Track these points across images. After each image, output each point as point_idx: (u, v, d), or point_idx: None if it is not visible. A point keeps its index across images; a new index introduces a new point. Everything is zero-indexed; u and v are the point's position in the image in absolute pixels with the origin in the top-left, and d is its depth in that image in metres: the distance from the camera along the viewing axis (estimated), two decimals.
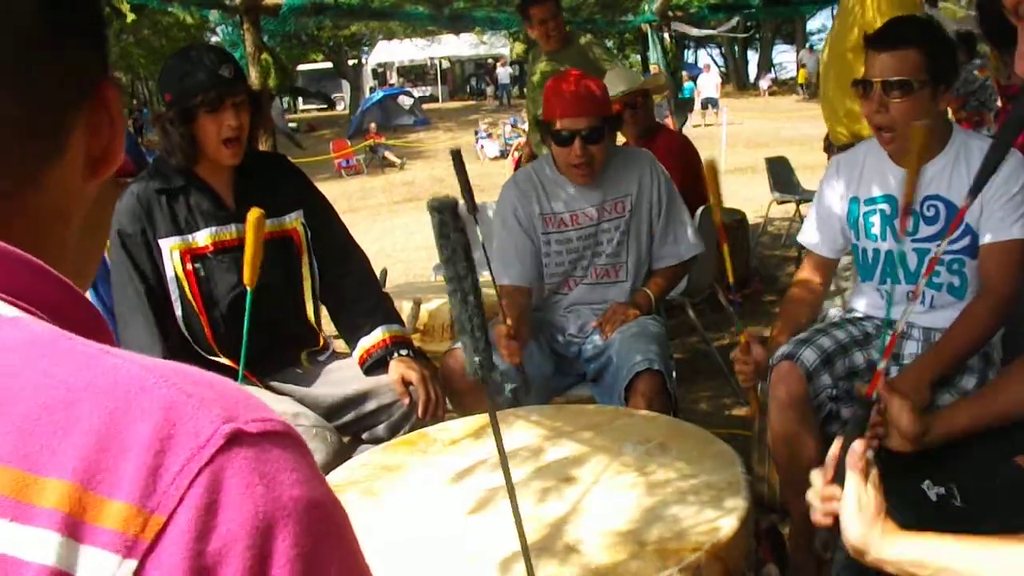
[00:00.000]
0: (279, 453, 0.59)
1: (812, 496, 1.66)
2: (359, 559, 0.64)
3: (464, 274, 1.21)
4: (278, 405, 2.76)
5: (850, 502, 1.52)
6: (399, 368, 2.89)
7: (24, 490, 0.54)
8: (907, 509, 1.94)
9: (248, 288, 2.67)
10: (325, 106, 39.36)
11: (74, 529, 0.54)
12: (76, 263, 0.78)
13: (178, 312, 2.83)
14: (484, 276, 3.90)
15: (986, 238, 2.65)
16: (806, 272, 3.07)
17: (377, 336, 2.97)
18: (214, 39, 22.79)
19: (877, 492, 1.51)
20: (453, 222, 1.20)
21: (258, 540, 0.55)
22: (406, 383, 2.87)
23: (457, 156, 2.77)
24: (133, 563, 0.53)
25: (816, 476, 1.67)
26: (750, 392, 2.75)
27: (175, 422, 0.57)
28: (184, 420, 0.57)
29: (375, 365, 2.96)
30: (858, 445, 1.57)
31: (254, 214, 2.60)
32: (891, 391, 2.01)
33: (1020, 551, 1.29)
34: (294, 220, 3.01)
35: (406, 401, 2.86)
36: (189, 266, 2.82)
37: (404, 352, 2.96)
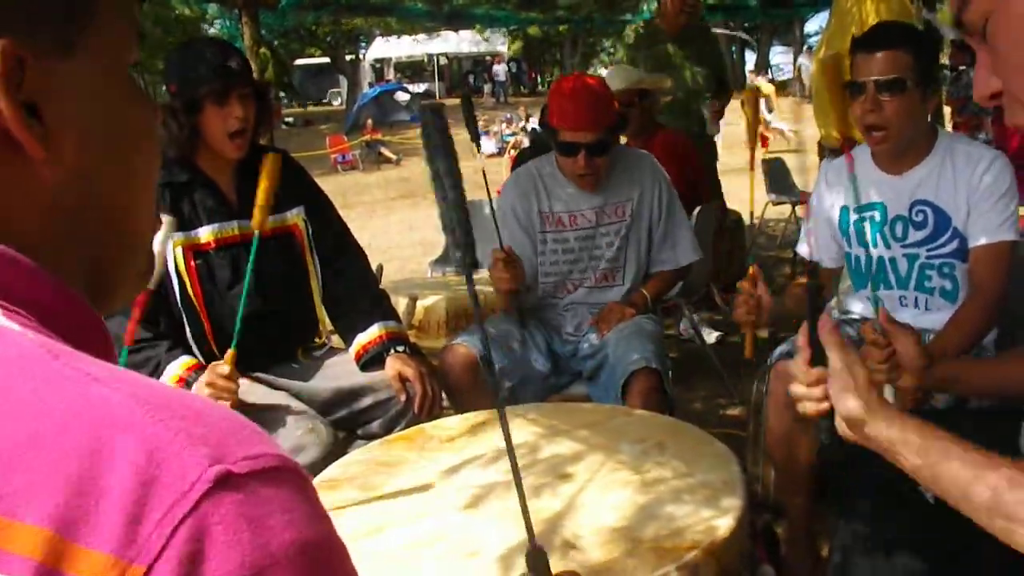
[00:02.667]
0: (271, 493, 0.56)
1: (796, 388, 1.61)
2: None
3: (444, 171, 1.27)
4: (272, 400, 2.77)
5: (840, 375, 1.46)
6: (395, 364, 2.90)
7: None
8: (904, 511, 1.95)
9: (256, 231, 2.70)
10: (323, 100, 39.32)
11: None
12: (79, 268, 0.72)
13: (178, 308, 2.83)
14: (482, 272, 3.93)
15: (976, 241, 2.67)
16: (806, 280, 3.08)
17: (373, 332, 2.97)
18: (212, 33, 22.80)
19: (862, 364, 1.48)
20: (436, 122, 1.27)
21: None
22: (403, 379, 2.88)
23: (466, 98, 3.01)
24: None
25: (796, 365, 1.62)
26: (747, 329, 2.70)
27: (159, 464, 0.53)
28: (169, 462, 0.54)
29: (371, 361, 2.96)
30: (825, 323, 1.50)
31: (271, 158, 2.66)
32: (895, 326, 2.02)
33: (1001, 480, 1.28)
34: (295, 216, 3.01)
35: (403, 398, 2.87)
36: (192, 262, 2.82)
37: (400, 348, 2.96)
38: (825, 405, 1.53)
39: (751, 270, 2.73)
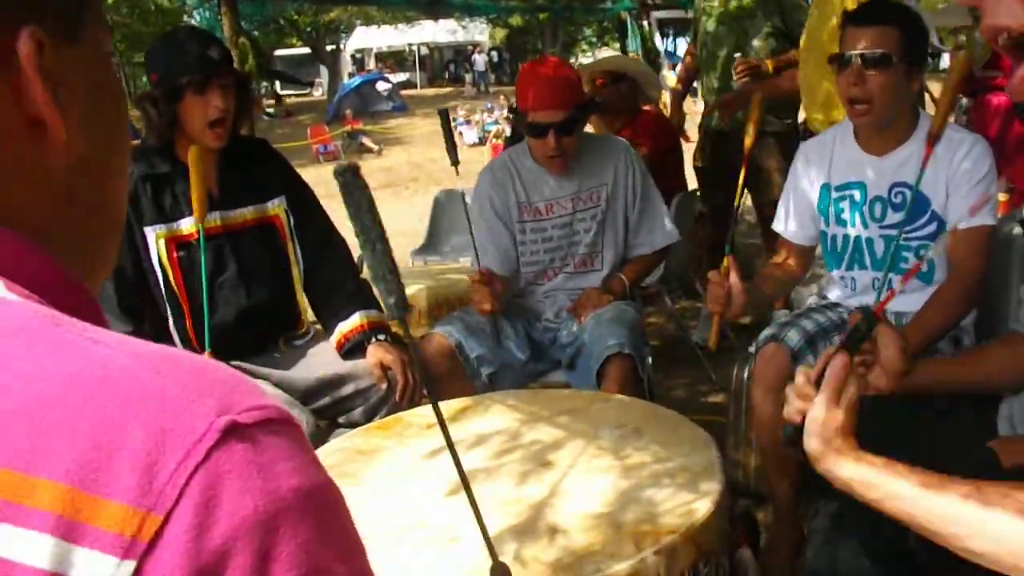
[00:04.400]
0: (274, 441, 0.58)
1: (790, 390, 1.64)
2: (356, 539, 0.64)
3: (370, 225, 1.31)
4: None
5: (816, 414, 1.50)
6: (377, 352, 2.90)
7: (15, 491, 0.53)
8: None
9: (199, 226, 2.73)
10: (305, 90, 39.16)
11: (68, 531, 0.52)
12: (74, 241, 0.74)
13: (162, 300, 2.84)
14: (464, 261, 3.90)
15: (954, 223, 2.70)
16: (781, 258, 3.10)
17: (355, 321, 2.98)
18: (192, 23, 22.67)
19: (847, 412, 1.49)
20: (355, 181, 1.32)
21: (259, 535, 0.54)
22: (384, 368, 2.88)
23: (444, 114, 3.11)
24: (132, 564, 0.52)
25: (800, 374, 1.64)
26: (714, 319, 2.73)
27: (169, 417, 0.55)
28: (178, 414, 0.55)
29: (353, 350, 2.97)
30: (839, 360, 1.54)
31: (192, 151, 2.65)
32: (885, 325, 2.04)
33: (972, 509, 1.31)
34: (276, 206, 3.01)
35: (383, 386, 2.87)
36: (174, 254, 2.83)
37: (382, 337, 2.96)
38: (799, 419, 1.57)
39: (725, 261, 2.74)
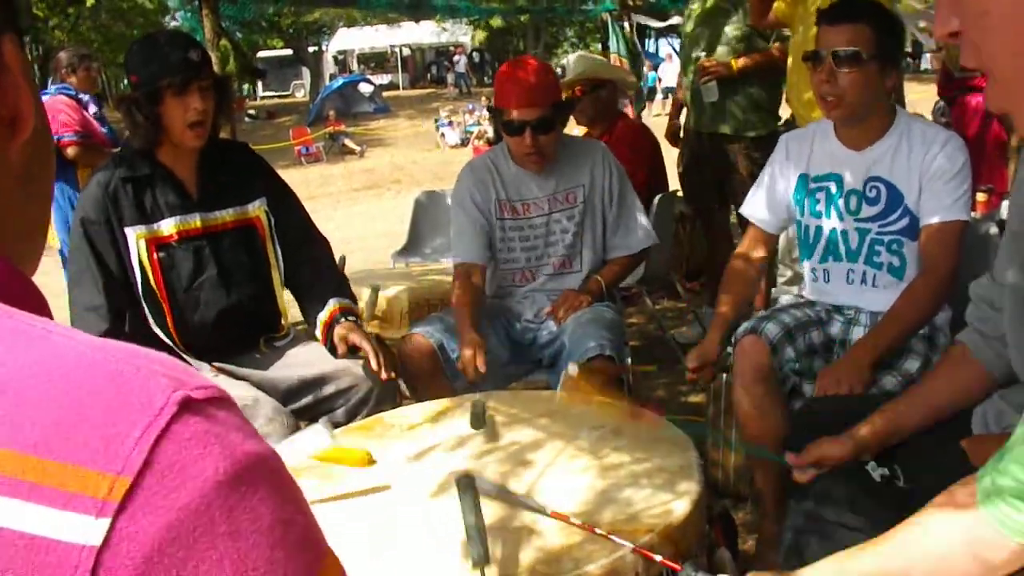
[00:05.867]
0: (225, 415, 0.61)
1: None
2: (303, 496, 0.66)
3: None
4: (234, 390, 2.77)
5: None
6: (341, 331, 2.93)
7: None
8: (852, 487, 1.99)
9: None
10: (285, 92, 39.10)
11: (39, 495, 0.55)
12: (18, 232, 0.77)
13: (141, 301, 2.84)
14: (445, 263, 3.90)
15: (927, 219, 2.72)
16: (747, 245, 3.13)
17: (330, 307, 3.01)
18: (173, 24, 22.62)
19: None
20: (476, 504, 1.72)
21: (224, 493, 0.57)
22: (348, 343, 2.91)
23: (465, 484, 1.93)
24: (106, 522, 0.54)
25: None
26: (709, 378, 2.84)
27: (127, 393, 0.58)
28: (135, 391, 0.58)
29: (331, 337, 3.00)
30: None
31: None
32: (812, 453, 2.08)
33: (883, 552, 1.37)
34: (257, 208, 3.02)
35: (360, 385, 2.88)
36: (155, 255, 2.84)
37: (352, 318, 2.99)
38: None
39: (689, 363, 2.90)
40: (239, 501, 0.58)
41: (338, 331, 2.94)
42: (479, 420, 2.34)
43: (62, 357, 0.60)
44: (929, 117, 6.27)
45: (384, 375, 2.85)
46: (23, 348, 0.60)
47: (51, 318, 0.69)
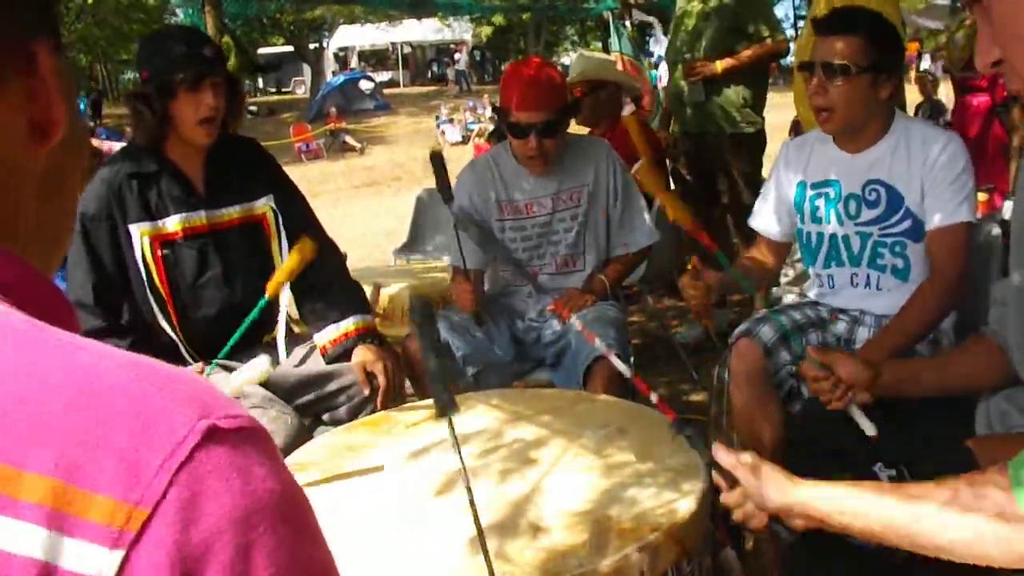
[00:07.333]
0: (250, 448, 0.61)
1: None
2: (320, 531, 0.66)
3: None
4: (246, 388, 2.76)
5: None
6: (360, 355, 2.90)
7: (6, 484, 0.55)
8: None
9: (267, 296, 2.84)
10: (287, 89, 39.08)
11: (59, 523, 0.54)
12: (39, 237, 0.76)
13: (148, 296, 2.83)
14: (446, 260, 3.89)
15: (932, 222, 2.70)
16: (756, 253, 3.13)
17: (347, 327, 2.97)
18: (175, 21, 22.60)
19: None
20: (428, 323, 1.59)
21: (240, 529, 0.57)
22: (365, 370, 2.88)
23: (436, 157, 3.14)
24: (120, 553, 0.54)
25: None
26: (706, 320, 2.81)
27: (152, 418, 0.58)
28: (160, 417, 0.58)
29: (339, 355, 2.96)
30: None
31: (306, 244, 2.81)
32: (826, 352, 2.09)
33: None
34: (264, 205, 3.01)
35: (367, 391, 2.87)
36: (159, 252, 2.82)
37: (370, 341, 2.97)
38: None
39: (691, 263, 2.78)
40: (256, 539, 0.58)
41: (361, 355, 2.91)
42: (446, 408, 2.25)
43: (89, 375, 0.59)
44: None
45: (379, 407, 2.84)
46: (50, 361, 0.60)
47: (77, 328, 0.69)
